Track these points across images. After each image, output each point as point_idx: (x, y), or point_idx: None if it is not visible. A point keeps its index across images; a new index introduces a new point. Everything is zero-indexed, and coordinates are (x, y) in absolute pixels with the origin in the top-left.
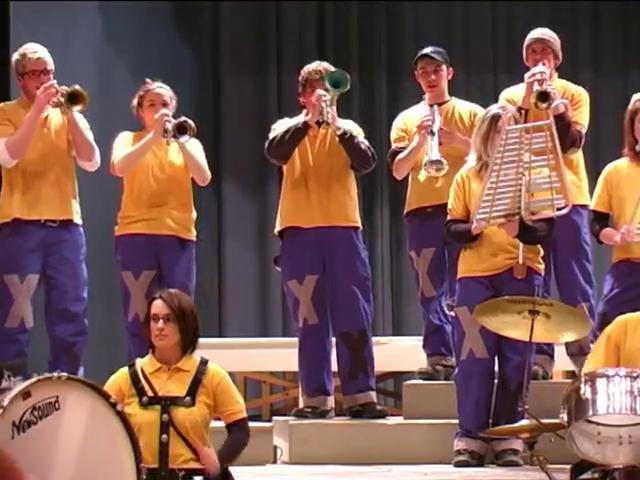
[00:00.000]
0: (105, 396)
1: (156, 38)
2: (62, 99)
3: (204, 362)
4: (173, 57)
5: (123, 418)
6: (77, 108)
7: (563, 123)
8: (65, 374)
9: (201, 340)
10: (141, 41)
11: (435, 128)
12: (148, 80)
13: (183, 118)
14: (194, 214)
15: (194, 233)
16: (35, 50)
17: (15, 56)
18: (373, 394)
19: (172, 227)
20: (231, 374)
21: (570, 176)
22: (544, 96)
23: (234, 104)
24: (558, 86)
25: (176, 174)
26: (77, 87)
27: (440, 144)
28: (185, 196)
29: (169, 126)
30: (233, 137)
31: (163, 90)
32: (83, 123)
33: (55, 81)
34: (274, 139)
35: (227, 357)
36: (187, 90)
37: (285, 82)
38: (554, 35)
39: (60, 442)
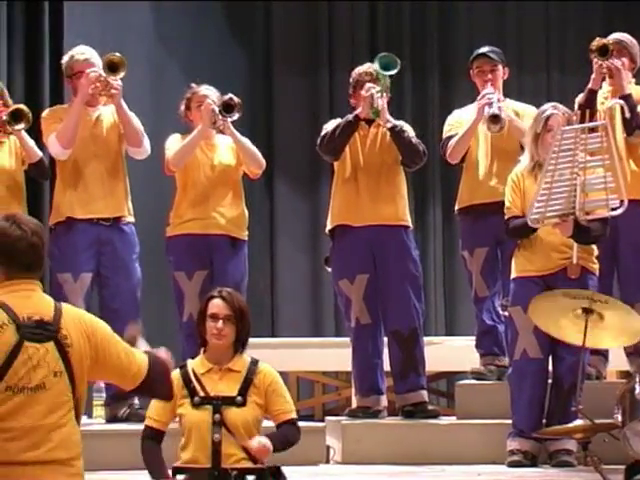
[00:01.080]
0: None
1: (208, 39)
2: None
3: (255, 362)
4: (225, 57)
5: None
6: (120, 75)
7: (629, 104)
8: None
9: (254, 340)
10: (193, 42)
11: (494, 99)
12: (193, 84)
13: (229, 95)
14: (246, 213)
15: (246, 232)
16: (82, 52)
17: (64, 59)
18: (424, 393)
19: (224, 226)
20: (284, 374)
21: (632, 167)
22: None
23: (286, 104)
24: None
25: (227, 173)
26: (115, 55)
27: (498, 123)
28: (236, 195)
29: (216, 110)
30: (285, 137)
31: (209, 91)
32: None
33: (96, 68)
34: (325, 135)
35: (280, 357)
36: (239, 90)
37: (337, 82)
38: (632, 39)
39: None
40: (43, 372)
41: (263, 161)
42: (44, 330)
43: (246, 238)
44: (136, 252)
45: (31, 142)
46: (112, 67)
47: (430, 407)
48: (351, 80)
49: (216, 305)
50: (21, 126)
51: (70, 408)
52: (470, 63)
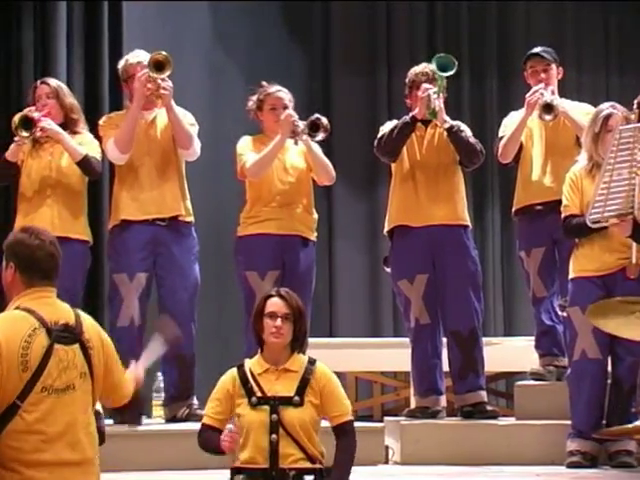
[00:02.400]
0: None
1: (266, 38)
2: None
3: (312, 362)
4: (283, 57)
5: None
6: (165, 74)
7: None
8: None
9: (312, 340)
10: (251, 42)
11: (546, 90)
12: (264, 83)
13: (316, 116)
14: (315, 215)
15: (315, 234)
16: (136, 55)
17: (119, 63)
18: (483, 394)
19: (297, 227)
20: (342, 374)
21: None
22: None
23: (344, 104)
24: None
25: (299, 176)
26: (160, 54)
27: (552, 112)
28: (308, 197)
29: (300, 125)
30: (343, 137)
31: (283, 93)
32: (187, 119)
33: (147, 70)
34: (382, 136)
35: (338, 357)
36: (297, 90)
37: (395, 82)
38: None
39: None
40: (73, 373)
41: (333, 173)
42: (70, 333)
43: (315, 239)
44: (194, 253)
45: (71, 142)
46: (158, 66)
47: (489, 407)
48: (407, 81)
49: (274, 304)
50: (25, 135)
51: (92, 408)
52: (524, 64)
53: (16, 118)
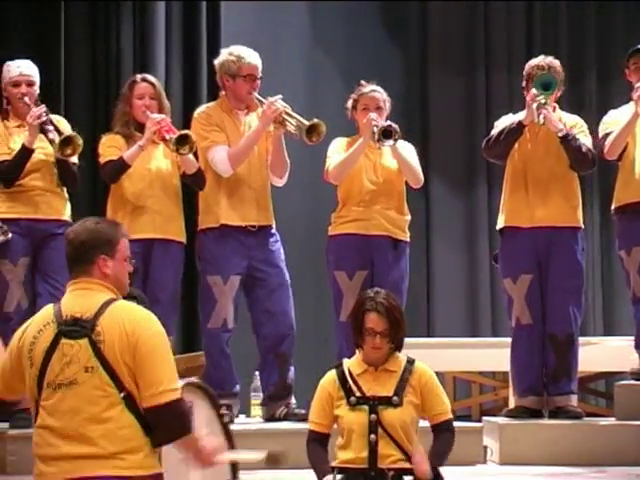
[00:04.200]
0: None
1: (364, 38)
2: (294, 129)
3: (410, 361)
4: (380, 57)
5: (227, 431)
6: (185, 151)
7: None
8: (195, 380)
9: (410, 340)
10: (349, 42)
11: None
12: (363, 82)
13: (388, 122)
14: (408, 216)
15: (407, 234)
16: (250, 54)
17: (226, 56)
18: (574, 397)
19: (386, 227)
20: (440, 374)
21: None
22: None
23: (442, 104)
24: None
25: (390, 176)
26: (317, 121)
27: None
28: (399, 198)
29: (375, 130)
30: (441, 137)
31: (377, 94)
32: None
33: (279, 96)
34: (490, 139)
35: (436, 357)
36: (394, 90)
37: (493, 81)
38: None
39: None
40: (75, 368)
41: (421, 177)
42: (79, 327)
43: (407, 240)
44: (282, 253)
45: (189, 155)
46: (311, 131)
47: (572, 408)
48: (524, 73)
49: (373, 320)
50: (186, 151)
51: (113, 403)
52: (626, 60)
53: (175, 137)
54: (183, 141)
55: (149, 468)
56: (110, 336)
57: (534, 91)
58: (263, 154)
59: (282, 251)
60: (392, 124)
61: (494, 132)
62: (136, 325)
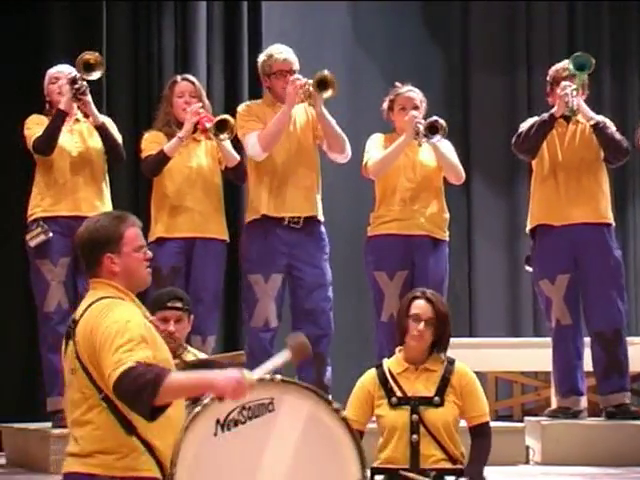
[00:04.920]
0: (326, 401)
1: (405, 38)
2: (311, 88)
3: (451, 362)
4: (422, 57)
5: (347, 425)
6: (327, 94)
7: None
8: (280, 377)
9: (452, 340)
10: (390, 42)
11: None
12: (398, 84)
13: (434, 118)
14: (447, 214)
15: (447, 233)
16: (281, 51)
17: (261, 57)
18: (628, 394)
19: (425, 227)
20: (482, 374)
21: None
22: None
23: (483, 103)
24: None
25: (428, 174)
26: (325, 72)
27: None
28: (438, 196)
29: (420, 127)
30: (482, 136)
31: (414, 94)
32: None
33: (299, 75)
34: (520, 134)
35: (478, 357)
36: (436, 90)
37: (535, 80)
38: None
39: (270, 445)
40: (67, 369)
41: (463, 174)
42: (70, 328)
43: (447, 238)
44: (327, 252)
45: (229, 146)
46: (323, 85)
47: (633, 408)
48: (548, 78)
49: (419, 306)
50: (225, 136)
51: (91, 406)
52: None
53: (215, 121)
54: (223, 126)
55: (124, 470)
56: (81, 337)
57: (564, 82)
58: (304, 145)
59: (327, 249)
60: (438, 119)
61: (524, 127)
62: (93, 323)
